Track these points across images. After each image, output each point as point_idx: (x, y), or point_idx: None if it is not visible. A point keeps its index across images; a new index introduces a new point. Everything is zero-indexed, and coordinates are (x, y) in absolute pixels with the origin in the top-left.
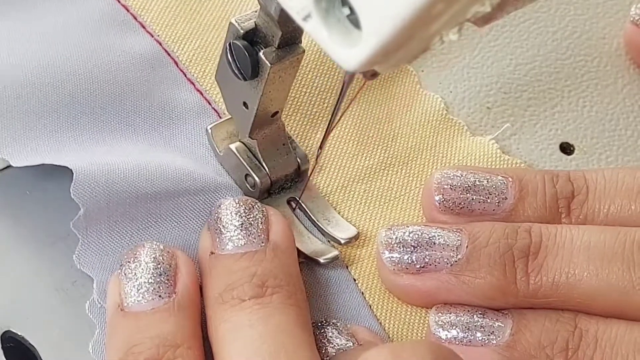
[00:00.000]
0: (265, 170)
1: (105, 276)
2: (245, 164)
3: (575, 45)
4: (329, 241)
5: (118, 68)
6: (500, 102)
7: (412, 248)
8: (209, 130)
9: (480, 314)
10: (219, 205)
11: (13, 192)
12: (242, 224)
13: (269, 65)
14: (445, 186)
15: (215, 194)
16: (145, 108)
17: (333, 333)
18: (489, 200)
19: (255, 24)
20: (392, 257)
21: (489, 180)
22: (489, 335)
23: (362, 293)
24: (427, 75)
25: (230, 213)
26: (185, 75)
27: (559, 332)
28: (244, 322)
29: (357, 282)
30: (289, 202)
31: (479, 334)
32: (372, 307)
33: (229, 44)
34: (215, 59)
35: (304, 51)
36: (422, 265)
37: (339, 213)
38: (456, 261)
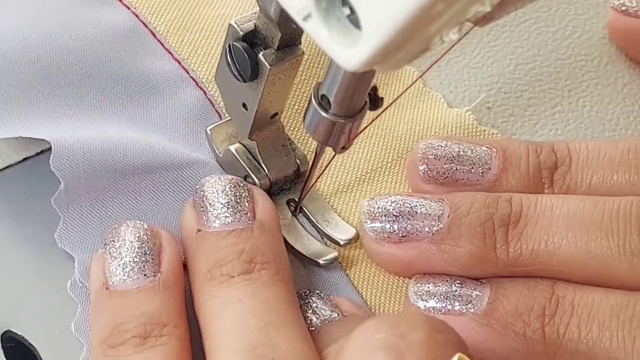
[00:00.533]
0: (265, 171)
1: (86, 255)
2: (244, 165)
3: (576, 45)
4: (326, 243)
5: (94, 39)
6: (501, 101)
7: (394, 217)
8: (209, 132)
9: (459, 283)
10: (204, 183)
11: (13, 192)
12: (229, 202)
13: (269, 66)
14: (430, 156)
15: (192, 168)
16: (123, 78)
17: (318, 304)
18: (472, 170)
19: (255, 26)
20: (375, 226)
21: (473, 151)
22: (466, 304)
23: (360, 295)
24: (427, 75)
25: (216, 191)
26: (163, 46)
27: (536, 299)
28: (232, 298)
29: (354, 285)
30: (288, 204)
31: (457, 304)
32: (372, 311)
33: (229, 46)
34: (193, 29)
35: (303, 53)
36: (403, 234)
37: (338, 215)
38: (437, 230)
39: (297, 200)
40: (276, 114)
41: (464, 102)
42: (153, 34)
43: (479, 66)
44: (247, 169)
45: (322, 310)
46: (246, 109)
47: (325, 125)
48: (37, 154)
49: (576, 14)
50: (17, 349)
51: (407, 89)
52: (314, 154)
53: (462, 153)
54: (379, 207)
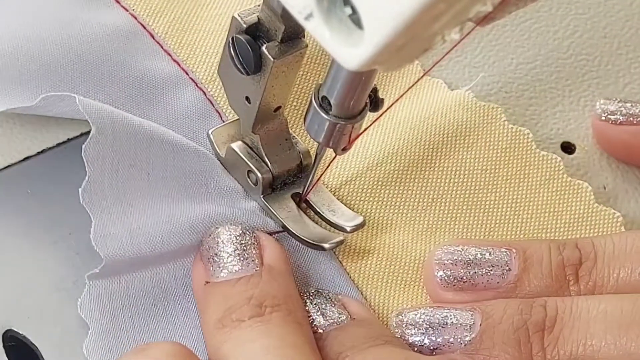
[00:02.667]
0: (268, 165)
1: (104, 215)
2: (247, 161)
3: (577, 45)
4: (333, 231)
5: (94, 39)
6: (502, 101)
7: (424, 330)
8: (210, 135)
9: None
10: (209, 235)
11: (13, 192)
12: (235, 249)
13: (272, 59)
14: (446, 261)
15: (196, 157)
16: (123, 77)
17: (326, 306)
18: (491, 272)
19: (258, 18)
20: (405, 340)
21: (491, 253)
22: None
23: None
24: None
25: (222, 241)
26: (162, 47)
27: None
28: (245, 339)
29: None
30: (292, 198)
31: None
32: (355, 282)
33: (232, 38)
34: (191, 30)
35: (307, 46)
36: (435, 347)
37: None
38: (469, 340)
39: (301, 193)
40: (279, 107)
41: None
42: (152, 35)
43: (480, 65)
44: (249, 164)
45: (330, 312)
46: (249, 102)
47: (326, 126)
48: (38, 153)
49: (577, 13)
50: (19, 348)
51: (406, 91)
52: (315, 154)
53: (479, 256)
54: (408, 321)
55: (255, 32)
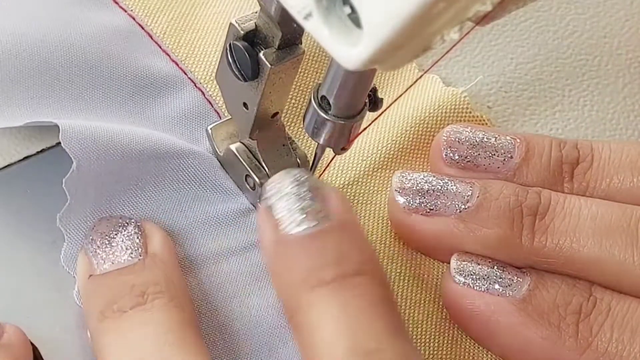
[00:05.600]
0: (265, 171)
1: (79, 240)
2: (245, 164)
3: (576, 45)
4: None
5: (94, 37)
6: (501, 101)
7: (425, 192)
8: (209, 131)
9: (501, 267)
10: (92, 228)
11: (13, 191)
12: (119, 241)
13: (269, 66)
14: (453, 139)
15: (192, 158)
16: (122, 75)
17: (305, 200)
18: (495, 157)
19: (256, 25)
20: (404, 199)
21: (497, 139)
22: (506, 287)
23: None
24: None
25: (104, 233)
26: (161, 47)
27: (574, 296)
28: (125, 329)
29: None
30: None
31: (497, 285)
32: None
33: (229, 45)
34: (190, 30)
35: (304, 52)
36: (432, 208)
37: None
38: (466, 208)
39: None
40: (277, 113)
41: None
42: (150, 35)
43: (479, 65)
44: (248, 168)
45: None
46: (247, 109)
47: (325, 126)
48: (38, 152)
49: (576, 13)
50: None
51: (404, 92)
52: (314, 154)
53: (485, 140)
54: (410, 181)
55: (252, 39)
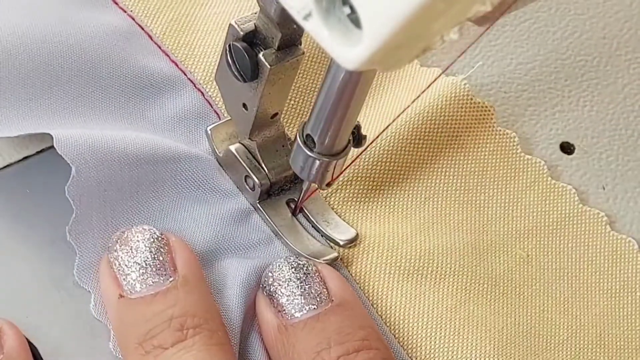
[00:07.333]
0: (265, 171)
1: (90, 252)
2: (244, 165)
3: (576, 45)
4: (328, 243)
5: (93, 38)
6: (501, 101)
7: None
8: (209, 132)
9: None
10: (116, 241)
11: (13, 191)
12: (146, 259)
13: (269, 66)
14: None
15: (191, 162)
16: (122, 76)
17: (304, 286)
18: None
19: (255, 26)
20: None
21: None
22: None
23: (362, 290)
24: None
25: (126, 247)
26: (160, 48)
27: None
28: None
29: (355, 281)
30: (287, 204)
31: None
32: (374, 306)
33: (229, 46)
34: (189, 30)
35: (303, 53)
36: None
37: (338, 215)
38: None
39: (296, 200)
40: (276, 114)
41: None
42: (150, 36)
43: (479, 65)
44: (247, 169)
45: (308, 294)
46: (246, 109)
47: (310, 163)
48: (37, 152)
49: (576, 13)
50: None
51: (423, 92)
52: (302, 190)
53: None
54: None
55: (252, 40)
